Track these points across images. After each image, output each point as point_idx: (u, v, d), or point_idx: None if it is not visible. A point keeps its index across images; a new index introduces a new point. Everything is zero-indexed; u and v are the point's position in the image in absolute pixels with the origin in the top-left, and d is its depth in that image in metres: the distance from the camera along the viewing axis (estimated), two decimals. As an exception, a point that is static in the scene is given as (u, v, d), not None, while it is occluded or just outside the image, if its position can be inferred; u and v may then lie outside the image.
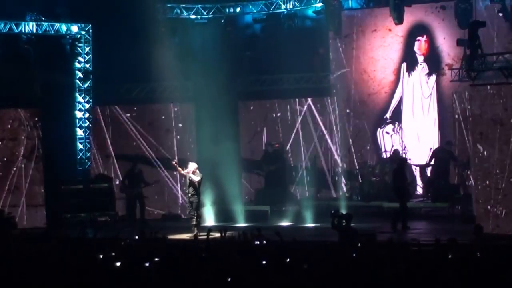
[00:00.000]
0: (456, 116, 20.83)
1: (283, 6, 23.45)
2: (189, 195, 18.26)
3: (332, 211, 16.60)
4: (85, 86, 23.03)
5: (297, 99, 23.08)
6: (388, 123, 22.54)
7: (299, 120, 23.02)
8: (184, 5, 23.83)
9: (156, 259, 10.75)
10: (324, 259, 10.45)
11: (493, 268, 9.67)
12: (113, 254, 11.83)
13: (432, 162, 20.63)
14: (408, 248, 11.89)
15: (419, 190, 21.30)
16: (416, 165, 21.46)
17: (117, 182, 21.87)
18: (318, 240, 14.60)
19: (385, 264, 9.90)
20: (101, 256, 11.59)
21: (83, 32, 22.88)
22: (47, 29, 22.55)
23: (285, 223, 19.64)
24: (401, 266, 9.64)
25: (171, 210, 21.94)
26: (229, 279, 9.22)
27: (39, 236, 17.04)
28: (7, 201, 20.71)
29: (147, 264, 10.69)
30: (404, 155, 21.29)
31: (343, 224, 14.29)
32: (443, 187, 19.96)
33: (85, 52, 22.96)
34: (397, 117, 22.45)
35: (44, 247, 13.58)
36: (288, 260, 10.63)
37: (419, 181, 21.41)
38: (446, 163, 20.13)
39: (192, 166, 18.36)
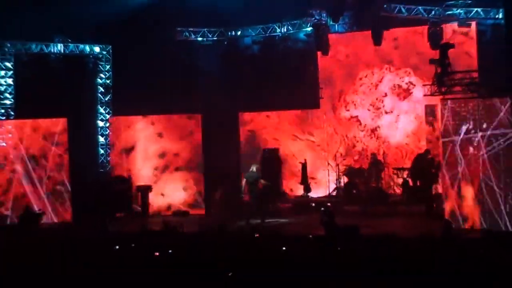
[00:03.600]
0: (429, 126, 20.91)
1: (278, 30, 23.58)
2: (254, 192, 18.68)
3: (322, 209, 16.60)
4: (106, 99, 23.14)
5: (290, 110, 23.10)
6: (369, 131, 22.68)
7: (293, 127, 23.05)
8: (192, 29, 23.95)
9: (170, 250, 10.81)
10: (313, 251, 10.50)
11: (460, 256, 9.76)
12: (133, 245, 11.89)
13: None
14: (388, 241, 11.94)
15: (397, 191, 21.26)
16: (394, 168, 21.49)
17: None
18: (307, 233, 14.57)
19: (367, 255, 9.96)
20: (117, 247, 11.61)
21: (104, 52, 23.02)
22: (73, 50, 22.68)
23: (278, 219, 19.61)
24: (382, 257, 9.70)
25: (180, 207, 21.90)
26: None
27: (65, 230, 17.15)
28: (38, 199, 20.72)
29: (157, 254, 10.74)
30: (382, 160, 21.35)
31: (329, 220, 14.31)
32: (419, 188, 19.94)
33: (106, 69, 23.09)
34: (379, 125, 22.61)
35: (69, 239, 13.66)
36: (283, 249, 10.70)
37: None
38: (422, 167, 20.11)
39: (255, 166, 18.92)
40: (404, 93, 22.36)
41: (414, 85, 22.07)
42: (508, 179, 15.47)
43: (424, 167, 19.82)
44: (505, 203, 15.52)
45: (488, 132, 15.96)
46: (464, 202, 16.41)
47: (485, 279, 8.40)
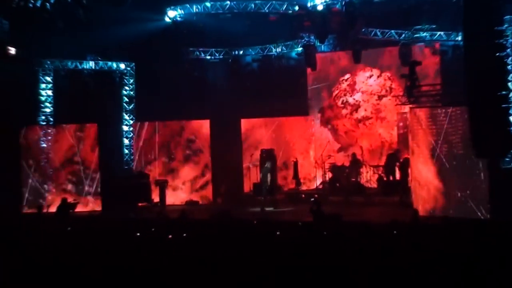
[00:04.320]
0: (401, 130, 20.96)
1: (274, 50, 23.66)
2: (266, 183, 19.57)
3: (312, 199, 16.52)
4: (130, 107, 23.15)
5: (284, 116, 23.13)
6: (350, 134, 22.72)
7: (286, 131, 23.07)
8: (202, 49, 23.99)
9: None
10: (302, 236, 10.50)
11: (425, 238, 9.81)
12: (153, 229, 11.88)
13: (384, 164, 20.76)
14: (365, 227, 11.94)
15: (373, 184, 21.28)
16: (371, 166, 21.52)
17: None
18: (297, 220, 14.55)
19: (348, 239, 9.96)
20: (138, 234, 11.55)
21: (128, 68, 23.05)
22: (102, 66, 22.71)
23: (273, 207, 19.62)
24: (362, 240, 9.70)
25: (191, 198, 21.90)
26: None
27: (96, 217, 17.18)
28: (73, 191, 20.79)
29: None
30: (361, 158, 21.35)
31: (317, 208, 14.30)
32: (391, 182, 20.00)
33: (130, 83, 23.11)
34: (358, 129, 22.65)
35: (100, 226, 13.66)
36: (278, 234, 10.69)
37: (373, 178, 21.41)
38: (394, 164, 20.17)
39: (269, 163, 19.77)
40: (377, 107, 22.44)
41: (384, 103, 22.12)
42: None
43: (395, 164, 19.89)
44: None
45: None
46: (428, 194, 16.50)
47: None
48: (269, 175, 19.16)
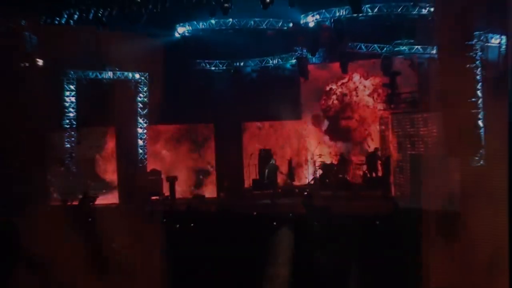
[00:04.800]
0: (382, 132, 20.97)
1: (271, 62, 23.66)
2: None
3: (305, 193, 16.55)
4: (144, 112, 23.14)
5: (280, 120, 23.09)
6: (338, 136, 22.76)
7: (281, 133, 23.06)
8: (207, 61, 24.00)
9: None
10: (296, 227, 10.51)
11: (406, 225, 9.87)
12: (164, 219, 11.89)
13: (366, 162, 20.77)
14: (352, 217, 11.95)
15: (359, 180, 21.29)
16: (356, 164, 21.54)
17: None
18: (290, 212, 14.51)
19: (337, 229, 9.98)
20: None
21: (142, 78, 23.02)
22: (119, 76, 22.68)
23: (271, 201, 19.60)
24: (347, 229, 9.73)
25: (198, 192, 21.87)
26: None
27: (114, 209, 17.19)
28: (93, 186, 20.80)
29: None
30: (348, 157, 21.36)
31: (309, 202, 14.31)
32: (374, 178, 20.01)
33: (144, 90, 23.08)
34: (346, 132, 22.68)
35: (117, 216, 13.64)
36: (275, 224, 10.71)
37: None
38: (376, 162, 20.17)
39: (273, 160, 19.78)
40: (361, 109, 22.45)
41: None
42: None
43: (376, 162, 19.94)
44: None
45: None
46: (406, 189, 16.52)
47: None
48: (278, 171, 19.22)
